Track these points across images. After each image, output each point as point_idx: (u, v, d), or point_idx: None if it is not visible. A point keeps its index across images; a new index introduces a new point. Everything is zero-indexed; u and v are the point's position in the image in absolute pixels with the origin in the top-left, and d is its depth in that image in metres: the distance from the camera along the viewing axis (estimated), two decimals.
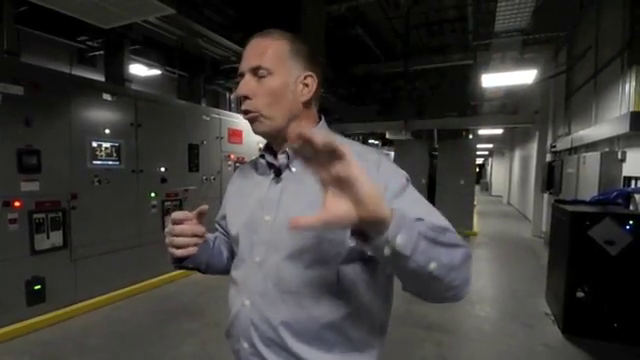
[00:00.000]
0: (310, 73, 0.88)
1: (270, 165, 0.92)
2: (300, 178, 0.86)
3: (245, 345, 0.86)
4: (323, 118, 0.95)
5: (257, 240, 0.87)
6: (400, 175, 0.82)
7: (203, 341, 3.11)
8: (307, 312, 0.79)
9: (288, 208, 0.84)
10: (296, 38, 0.88)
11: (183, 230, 0.91)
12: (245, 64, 0.86)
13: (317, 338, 0.80)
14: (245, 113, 0.87)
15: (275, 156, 0.91)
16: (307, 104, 0.89)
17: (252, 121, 0.88)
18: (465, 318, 3.70)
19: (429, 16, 6.50)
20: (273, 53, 0.85)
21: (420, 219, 0.65)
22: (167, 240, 0.92)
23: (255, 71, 0.85)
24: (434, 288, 0.65)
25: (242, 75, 0.87)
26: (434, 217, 0.72)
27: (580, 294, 3.16)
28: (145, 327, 3.37)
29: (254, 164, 0.99)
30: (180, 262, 0.95)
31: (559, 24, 5.73)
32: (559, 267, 3.45)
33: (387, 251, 0.56)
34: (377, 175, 0.79)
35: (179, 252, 0.91)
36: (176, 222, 0.91)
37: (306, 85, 0.88)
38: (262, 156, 0.94)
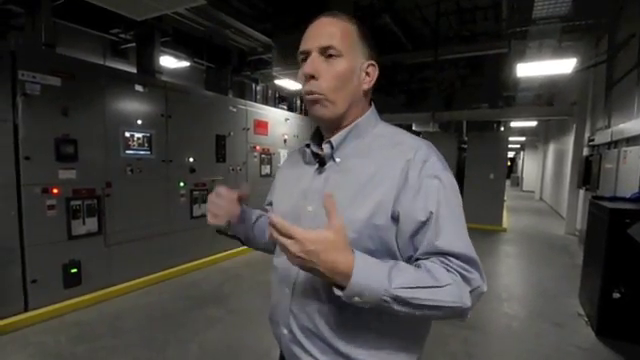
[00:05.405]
0: (373, 62, 0.86)
1: (315, 155, 0.91)
2: (344, 169, 0.85)
3: (285, 331, 0.87)
4: (373, 105, 0.93)
5: None
6: (446, 178, 0.81)
7: (228, 327, 3.18)
8: (345, 305, 0.78)
9: None
10: (362, 23, 0.86)
11: (219, 204, 0.98)
12: (313, 42, 0.82)
13: (353, 332, 0.80)
14: (308, 94, 0.84)
15: (321, 145, 0.90)
16: (366, 93, 0.88)
17: (314, 103, 0.84)
18: (492, 315, 3.61)
19: (460, 3, 6.27)
20: (344, 35, 0.82)
21: (445, 254, 0.72)
22: (208, 205, 1.00)
23: (325, 50, 0.81)
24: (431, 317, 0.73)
25: (305, 53, 0.84)
26: (464, 245, 0.74)
27: (616, 295, 3.01)
28: (174, 312, 3.48)
29: (302, 152, 0.98)
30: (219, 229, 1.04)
31: (601, 10, 5.40)
32: (595, 266, 3.31)
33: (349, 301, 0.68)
34: (418, 176, 0.78)
35: (209, 219, 0.99)
36: (218, 195, 0.98)
37: (368, 74, 0.86)
38: (308, 145, 0.93)
